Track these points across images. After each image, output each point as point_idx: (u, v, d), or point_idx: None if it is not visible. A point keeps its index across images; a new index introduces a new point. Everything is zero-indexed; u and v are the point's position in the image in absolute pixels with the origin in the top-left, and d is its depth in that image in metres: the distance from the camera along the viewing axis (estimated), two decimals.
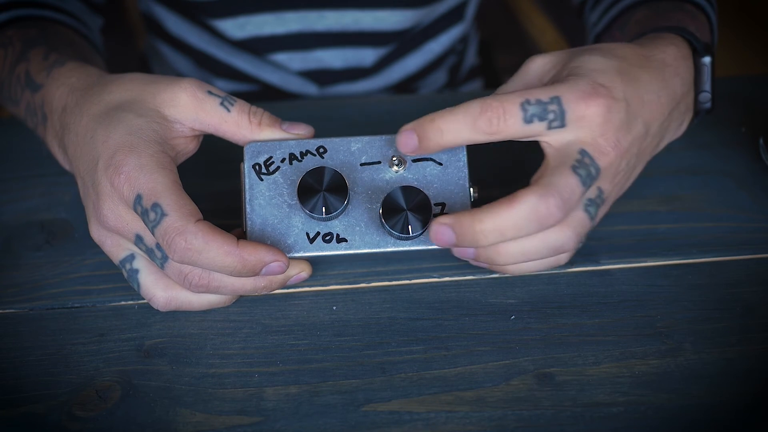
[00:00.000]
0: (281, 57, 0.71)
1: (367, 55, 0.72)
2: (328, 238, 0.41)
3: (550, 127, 0.39)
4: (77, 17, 0.59)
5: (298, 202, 0.40)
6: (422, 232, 0.40)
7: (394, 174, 0.42)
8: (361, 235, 0.41)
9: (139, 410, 0.39)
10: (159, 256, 0.40)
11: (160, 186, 0.38)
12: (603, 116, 0.39)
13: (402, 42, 0.74)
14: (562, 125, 0.39)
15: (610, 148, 0.39)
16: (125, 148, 0.39)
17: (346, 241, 0.41)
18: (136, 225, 0.40)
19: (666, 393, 0.40)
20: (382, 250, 0.41)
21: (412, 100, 0.64)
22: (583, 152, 0.39)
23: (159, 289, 0.41)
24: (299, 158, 0.42)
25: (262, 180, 0.41)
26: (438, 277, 0.46)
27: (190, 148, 0.43)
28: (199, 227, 0.38)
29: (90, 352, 0.42)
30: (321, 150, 0.42)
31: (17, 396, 0.40)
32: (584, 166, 0.39)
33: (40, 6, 0.56)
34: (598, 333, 0.43)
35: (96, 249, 0.48)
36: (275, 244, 0.41)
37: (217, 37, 0.71)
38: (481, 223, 0.37)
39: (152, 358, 0.42)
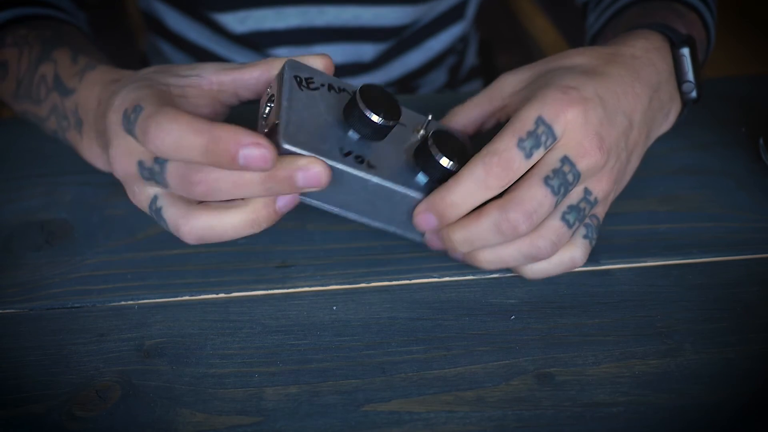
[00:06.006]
0: (282, 52, 0.71)
1: (366, 51, 0.72)
2: (359, 159, 0.40)
3: (546, 148, 0.39)
4: (70, 13, 0.59)
5: (341, 119, 0.39)
6: (454, 171, 0.40)
7: (418, 137, 0.42)
8: (390, 169, 0.40)
9: (139, 410, 0.39)
10: (158, 171, 0.37)
11: (143, 93, 0.37)
12: (582, 117, 0.39)
13: (401, 38, 0.74)
14: (555, 139, 0.39)
15: (594, 148, 0.39)
16: (125, 85, 0.39)
17: (375, 168, 0.40)
18: (137, 151, 0.38)
19: (666, 393, 0.40)
20: (404, 190, 0.40)
21: (412, 100, 0.64)
22: (563, 159, 0.39)
23: (180, 219, 0.39)
24: (338, 91, 0.41)
25: (302, 90, 0.40)
26: (438, 277, 0.46)
27: (203, 103, 0.41)
28: (169, 109, 0.35)
29: (90, 352, 0.42)
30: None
31: (17, 396, 0.40)
32: (559, 175, 0.39)
33: (41, 5, 0.56)
34: (598, 333, 0.43)
35: (96, 249, 0.48)
36: (307, 141, 0.38)
37: (218, 33, 0.72)
38: (444, 199, 0.39)
39: (152, 358, 0.42)
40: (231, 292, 0.45)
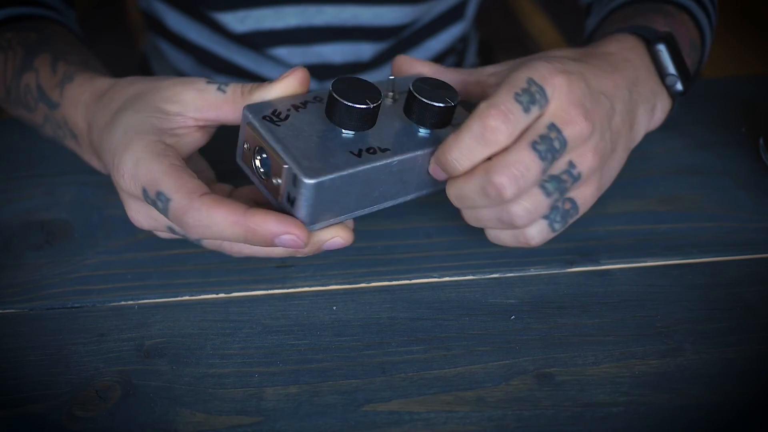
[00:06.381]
0: (281, 51, 0.71)
1: (365, 50, 0.72)
2: (371, 150, 0.40)
3: (540, 108, 0.39)
4: (60, 11, 0.59)
5: (328, 125, 0.39)
6: (452, 105, 0.40)
7: (391, 101, 0.43)
8: (397, 141, 0.41)
9: (139, 410, 0.39)
10: (194, 238, 0.41)
11: (157, 173, 0.38)
12: (567, 85, 0.39)
13: (401, 38, 0.74)
14: (547, 101, 0.39)
15: (579, 116, 0.39)
16: (121, 147, 0.40)
17: (388, 149, 0.40)
18: (163, 221, 0.41)
19: (666, 393, 0.40)
20: (420, 152, 0.41)
21: None
22: (550, 126, 0.39)
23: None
24: (303, 106, 0.41)
25: (279, 125, 0.40)
26: (438, 277, 0.46)
27: (196, 136, 0.43)
28: (203, 201, 0.38)
29: (90, 352, 0.42)
30: (318, 99, 0.42)
31: (17, 396, 0.40)
32: (547, 141, 0.39)
33: (30, 4, 0.56)
34: (598, 333, 0.43)
35: (96, 249, 0.48)
36: (325, 165, 0.38)
37: (218, 33, 0.72)
38: (444, 154, 0.39)
39: (152, 358, 0.41)
40: (231, 292, 0.45)
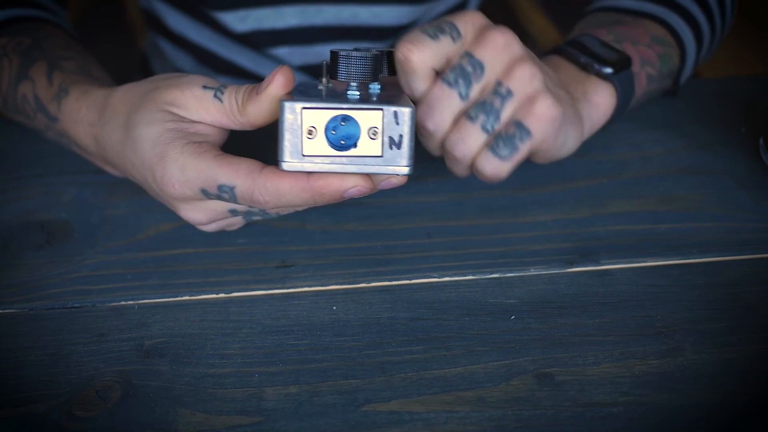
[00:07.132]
0: (282, 51, 0.71)
1: None
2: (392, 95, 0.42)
3: (453, 39, 0.40)
4: (54, 12, 0.59)
5: (343, 88, 0.40)
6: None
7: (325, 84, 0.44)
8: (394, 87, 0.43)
9: (139, 410, 0.39)
10: (258, 211, 0.43)
11: (209, 170, 0.39)
12: (483, 19, 0.41)
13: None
14: (459, 33, 0.40)
15: (495, 33, 0.40)
16: (158, 161, 0.40)
17: (394, 94, 0.42)
18: (222, 207, 0.42)
19: (666, 393, 0.40)
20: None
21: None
22: (463, 54, 0.40)
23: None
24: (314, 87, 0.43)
25: (327, 97, 0.40)
26: (438, 277, 0.46)
27: (216, 128, 0.43)
28: (266, 176, 0.38)
29: (90, 352, 0.42)
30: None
31: (17, 396, 0.40)
32: (457, 68, 0.40)
33: (22, 5, 0.56)
34: (598, 333, 0.43)
35: (96, 249, 0.48)
36: (397, 101, 0.38)
37: (218, 33, 0.72)
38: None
39: (152, 358, 0.42)
40: (231, 292, 0.45)
